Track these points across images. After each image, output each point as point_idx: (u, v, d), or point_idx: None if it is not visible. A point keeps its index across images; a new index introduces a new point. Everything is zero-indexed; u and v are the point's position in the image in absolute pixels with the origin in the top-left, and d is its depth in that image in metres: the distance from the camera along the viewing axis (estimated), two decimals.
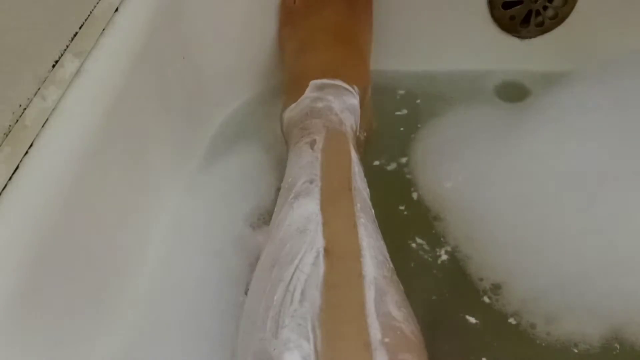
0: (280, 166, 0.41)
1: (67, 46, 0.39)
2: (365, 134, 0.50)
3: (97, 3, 0.42)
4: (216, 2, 0.53)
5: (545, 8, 0.59)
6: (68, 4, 0.39)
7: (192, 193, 0.50)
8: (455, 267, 0.46)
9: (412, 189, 0.52)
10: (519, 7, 0.59)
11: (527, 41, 0.61)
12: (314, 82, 0.45)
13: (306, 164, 0.39)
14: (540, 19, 0.59)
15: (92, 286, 0.36)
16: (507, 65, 0.62)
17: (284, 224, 0.35)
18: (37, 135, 0.34)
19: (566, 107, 0.50)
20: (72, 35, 0.39)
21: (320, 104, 0.44)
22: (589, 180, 0.45)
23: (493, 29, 0.61)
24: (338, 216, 0.35)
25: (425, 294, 0.45)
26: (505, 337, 0.42)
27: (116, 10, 0.43)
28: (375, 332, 0.28)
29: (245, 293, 0.41)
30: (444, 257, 0.47)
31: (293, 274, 0.31)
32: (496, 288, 0.44)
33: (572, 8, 0.59)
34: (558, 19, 0.59)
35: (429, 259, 0.47)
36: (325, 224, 0.34)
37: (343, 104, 0.44)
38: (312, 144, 0.40)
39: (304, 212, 0.35)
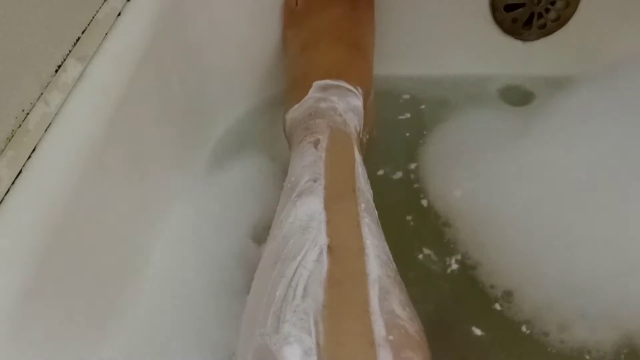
0: (285, 175, 0.40)
1: (70, 51, 0.38)
2: (367, 137, 0.49)
3: (100, 7, 0.42)
4: (219, 7, 0.53)
5: (547, 10, 0.59)
6: (71, 8, 0.39)
7: (194, 200, 0.49)
8: (466, 275, 0.45)
9: (422, 195, 0.51)
10: (521, 9, 0.58)
11: (529, 44, 0.61)
12: (317, 83, 0.45)
13: (310, 163, 0.38)
14: (542, 21, 0.59)
15: (93, 292, 0.36)
16: (510, 68, 0.62)
17: (287, 222, 0.34)
18: (40, 139, 0.33)
19: (573, 111, 0.50)
20: (75, 40, 0.39)
21: (324, 105, 0.43)
22: (600, 186, 0.45)
23: (495, 32, 0.60)
24: (342, 215, 0.34)
25: (435, 302, 0.44)
26: (518, 345, 0.42)
27: (119, 15, 0.43)
28: (379, 329, 0.28)
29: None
30: (454, 265, 0.46)
31: (295, 270, 0.31)
32: (508, 295, 0.44)
33: (574, 10, 0.58)
34: (560, 22, 0.59)
35: (438, 267, 0.46)
36: (328, 222, 0.33)
37: (347, 105, 0.44)
38: (316, 144, 0.40)
39: (308, 210, 0.34)
